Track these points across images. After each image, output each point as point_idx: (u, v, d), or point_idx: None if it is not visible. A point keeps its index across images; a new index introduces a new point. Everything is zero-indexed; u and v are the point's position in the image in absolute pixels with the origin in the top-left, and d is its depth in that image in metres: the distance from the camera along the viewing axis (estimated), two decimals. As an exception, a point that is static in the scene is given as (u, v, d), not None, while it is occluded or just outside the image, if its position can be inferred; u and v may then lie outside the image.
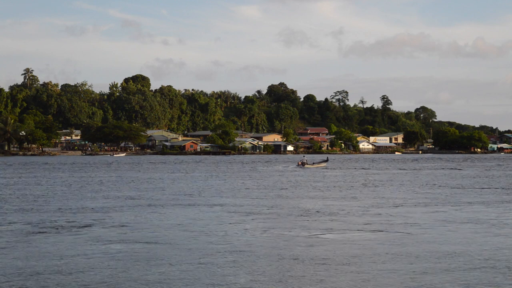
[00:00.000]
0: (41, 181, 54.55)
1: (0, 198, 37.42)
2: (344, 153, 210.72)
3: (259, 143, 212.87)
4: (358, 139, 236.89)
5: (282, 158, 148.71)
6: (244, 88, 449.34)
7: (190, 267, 16.39)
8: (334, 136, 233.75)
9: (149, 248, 19.15)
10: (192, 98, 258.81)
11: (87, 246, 19.56)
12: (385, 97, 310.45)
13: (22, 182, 53.10)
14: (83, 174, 67.75)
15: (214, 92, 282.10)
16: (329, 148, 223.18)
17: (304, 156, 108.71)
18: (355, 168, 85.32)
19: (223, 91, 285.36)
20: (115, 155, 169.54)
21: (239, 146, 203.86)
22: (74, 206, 31.99)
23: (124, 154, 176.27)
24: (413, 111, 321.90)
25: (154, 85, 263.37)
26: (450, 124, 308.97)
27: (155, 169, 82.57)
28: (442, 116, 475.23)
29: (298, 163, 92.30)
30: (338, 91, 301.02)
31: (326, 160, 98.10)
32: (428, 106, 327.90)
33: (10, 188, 45.43)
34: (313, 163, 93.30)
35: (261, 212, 29.33)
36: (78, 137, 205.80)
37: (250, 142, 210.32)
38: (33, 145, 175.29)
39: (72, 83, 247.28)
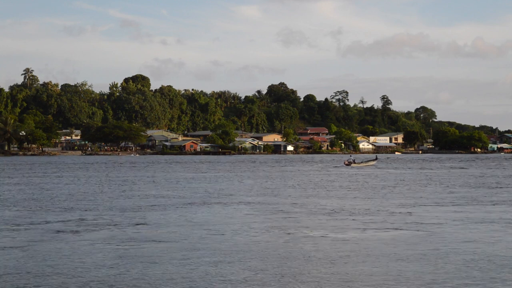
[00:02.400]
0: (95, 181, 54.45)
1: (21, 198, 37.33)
2: (344, 153, 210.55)
3: (259, 143, 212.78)
4: (358, 139, 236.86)
5: (308, 158, 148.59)
6: (243, 88, 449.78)
7: (192, 266, 16.30)
8: (334, 136, 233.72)
9: (159, 247, 19.04)
10: (192, 98, 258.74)
11: (96, 245, 19.45)
12: (385, 97, 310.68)
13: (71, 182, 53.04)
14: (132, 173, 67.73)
15: (214, 92, 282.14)
16: (329, 148, 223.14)
17: (350, 156, 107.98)
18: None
19: (223, 91, 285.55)
20: (136, 155, 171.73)
21: (239, 146, 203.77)
22: (103, 205, 31.99)
23: (137, 155, 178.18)
24: (413, 111, 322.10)
25: (153, 85, 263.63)
26: (450, 124, 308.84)
27: (183, 168, 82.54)
28: (442, 116, 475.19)
29: (344, 162, 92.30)
30: (338, 91, 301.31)
31: (375, 159, 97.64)
32: (428, 106, 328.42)
33: (34, 188, 45.37)
34: (361, 162, 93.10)
35: (290, 211, 29.25)
36: (78, 137, 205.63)
37: (250, 142, 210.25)
38: (33, 145, 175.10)
39: (71, 83, 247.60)
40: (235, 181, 54.22)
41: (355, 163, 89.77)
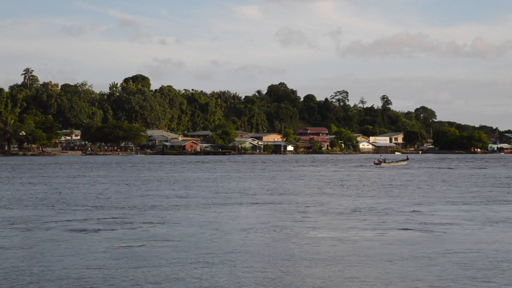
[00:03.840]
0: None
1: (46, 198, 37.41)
2: (344, 153, 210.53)
3: (259, 143, 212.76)
4: (358, 139, 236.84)
5: (326, 158, 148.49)
6: (242, 88, 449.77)
7: (192, 266, 16.42)
8: (334, 136, 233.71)
9: (163, 247, 19.14)
10: (192, 98, 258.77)
11: (102, 245, 19.56)
12: (385, 97, 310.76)
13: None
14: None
15: (214, 92, 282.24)
16: (329, 148, 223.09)
17: (381, 156, 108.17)
18: None
19: (223, 91, 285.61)
20: (140, 155, 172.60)
21: (239, 146, 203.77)
22: (116, 205, 32.16)
23: (140, 154, 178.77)
24: (413, 111, 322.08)
25: (153, 85, 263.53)
26: (450, 124, 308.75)
27: (201, 168, 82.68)
28: (442, 116, 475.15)
29: (374, 161, 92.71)
30: (338, 91, 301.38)
31: (406, 159, 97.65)
32: (428, 106, 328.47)
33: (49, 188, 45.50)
34: (392, 162, 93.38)
35: (310, 211, 29.33)
36: (78, 137, 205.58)
37: (250, 142, 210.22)
38: (33, 145, 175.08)
39: (71, 83, 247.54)
40: (250, 181, 54.33)
41: (385, 162, 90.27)
